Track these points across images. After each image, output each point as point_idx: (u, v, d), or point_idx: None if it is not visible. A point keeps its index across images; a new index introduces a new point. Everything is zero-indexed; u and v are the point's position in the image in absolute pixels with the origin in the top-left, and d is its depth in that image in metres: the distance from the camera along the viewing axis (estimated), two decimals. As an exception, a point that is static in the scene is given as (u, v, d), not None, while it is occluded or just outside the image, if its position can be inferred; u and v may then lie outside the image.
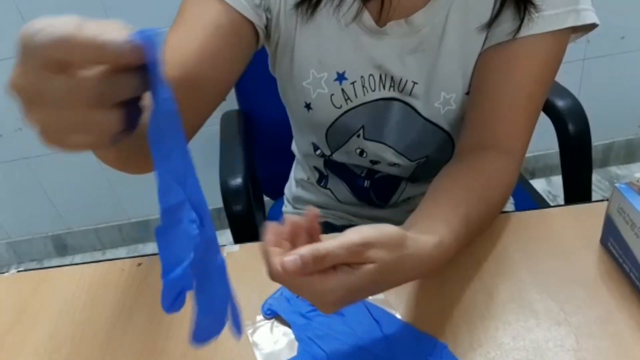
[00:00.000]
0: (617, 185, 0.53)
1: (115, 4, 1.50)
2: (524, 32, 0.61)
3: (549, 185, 1.88)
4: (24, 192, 1.87)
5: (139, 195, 1.89)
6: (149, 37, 0.30)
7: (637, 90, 1.77)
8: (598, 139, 1.87)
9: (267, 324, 0.56)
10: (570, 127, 0.88)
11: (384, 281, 0.43)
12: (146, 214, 1.96)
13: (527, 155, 2.04)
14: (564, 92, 0.92)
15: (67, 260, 2.03)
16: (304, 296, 0.42)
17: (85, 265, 0.69)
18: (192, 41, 0.59)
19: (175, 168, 0.34)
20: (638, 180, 0.52)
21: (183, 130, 0.34)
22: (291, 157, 0.92)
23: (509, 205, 0.88)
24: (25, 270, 0.71)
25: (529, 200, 1.00)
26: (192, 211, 0.36)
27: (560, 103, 0.90)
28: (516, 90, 0.62)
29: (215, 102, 0.64)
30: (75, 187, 1.87)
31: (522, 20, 0.60)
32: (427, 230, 0.48)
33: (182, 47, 0.58)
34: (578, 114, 0.89)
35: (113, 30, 0.28)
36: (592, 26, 0.63)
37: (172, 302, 0.35)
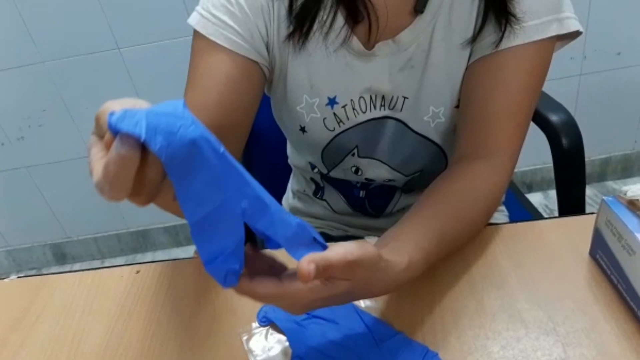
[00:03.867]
0: (604, 198, 0.55)
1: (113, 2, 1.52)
2: (508, 43, 0.62)
3: (546, 199, 1.89)
4: (25, 201, 1.89)
5: (139, 205, 1.91)
6: (114, 128, 0.34)
7: (634, 105, 1.79)
8: (595, 154, 1.88)
9: (262, 331, 0.57)
10: (564, 141, 0.89)
11: (352, 294, 0.45)
12: (145, 224, 1.97)
13: (524, 168, 2.05)
14: (557, 107, 0.93)
15: (66, 268, 2.04)
16: (276, 299, 0.43)
17: (84, 272, 0.71)
18: (211, 97, 0.65)
19: (202, 182, 0.37)
20: (625, 194, 0.54)
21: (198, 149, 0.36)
22: (289, 167, 0.94)
23: (503, 218, 0.89)
24: (25, 276, 0.72)
25: (524, 213, 1.01)
26: (236, 205, 0.39)
27: (554, 118, 0.91)
28: (503, 99, 0.63)
29: (244, 138, 0.71)
30: (76, 196, 1.88)
31: (503, 33, 0.62)
32: (398, 251, 0.50)
33: (202, 105, 0.64)
34: (571, 128, 0.90)
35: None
36: (577, 34, 0.64)
37: (224, 280, 0.41)
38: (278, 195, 1.03)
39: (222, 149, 0.37)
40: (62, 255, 2.05)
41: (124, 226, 1.98)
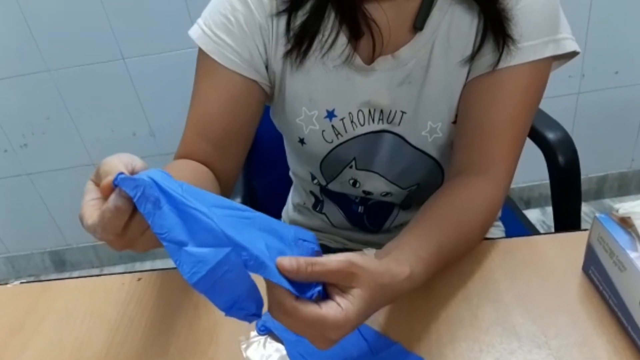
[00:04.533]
0: (597, 215, 0.56)
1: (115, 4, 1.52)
2: (505, 63, 0.63)
3: (544, 215, 1.90)
4: (26, 208, 1.89)
5: (139, 213, 1.92)
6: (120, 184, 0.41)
7: (631, 124, 1.81)
8: (592, 171, 1.90)
9: (261, 339, 0.58)
10: (560, 158, 0.91)
11: (368, 309, 0.46)
12: (145, 232, 1.98)
13: (522, 185, 2.05)
14: (554, 125, 0.94)
15: (65, 276, 2.04)
16: (309, 330, 0.44)
17: (86, 278, 0.72)
18: (213, 114, 0.68)
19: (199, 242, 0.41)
20: (617, 211, 0.55)
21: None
22: (289, 179, 0.95)
23: (499, 233, 0.91)
24: (28, 282, 0.73)
25: (521, 228, 1.02)
26: (238, 255, 0.41)
27: (550, 135, 0.92)
28: (500, 117, 0.65)
29: (245, 151, 0.74)
30: (77, 203, 1.87)
31: (500, 54, 0.63)
32: (399, 261, 0.52)
33: (205, 124, 0.68)
34: (568, 146, 0.91)
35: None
36: (574, 54, 0.66)
37: (246, 320, 0.44)
38: (278, 207, 1.04)
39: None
40: (61, 263, 2.05)
41: (124, 234, 1.99)
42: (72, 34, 1.55)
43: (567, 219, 0.94)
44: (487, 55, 0.64)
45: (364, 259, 0.46)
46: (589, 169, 1.89)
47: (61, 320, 0.65)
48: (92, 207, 0.43)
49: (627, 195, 1.95)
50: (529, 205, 1.95)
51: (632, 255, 0.51)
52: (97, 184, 0.44)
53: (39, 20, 1.53)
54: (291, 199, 0.97)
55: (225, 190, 0.73)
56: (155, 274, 0.70)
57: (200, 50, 0.68)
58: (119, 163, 0.43)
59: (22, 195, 1.86)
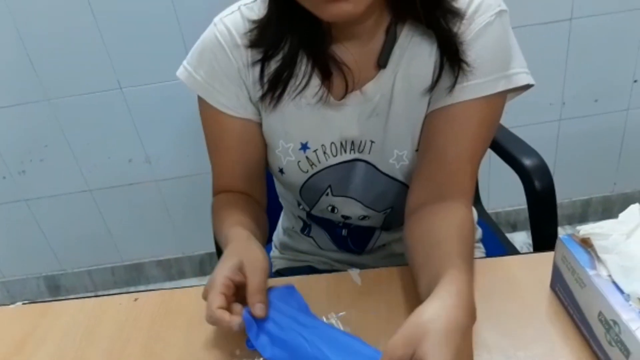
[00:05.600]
0: (560, 237, 0.61)
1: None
2: (460, 97, 0.68)
3: (529, 238, 1.94)
4: (22, 233, 1.92)
5: (134, 237, 1.95)
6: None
7: (612, 149, 1.87)
8: (576, 195, 1.95)
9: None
10: (537, 183, 0.95)
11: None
12: (139, 258, 2.01)
13: (508, 209, 2.08)
14: (530, 151, 0.99)
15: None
16: None
17: (85, 299, 0.76)
18: (232, 162, 0.79)
19: None
20: (578, 232, 0.60)
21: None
22: (279, 205, 0.99)
23: (479, 254, 0.95)
24: (29, 303, 0.77)
25: (502, 250, 1.07)
26: None
27: (527, 162, 0.97)
28: (458, 148, 0.69)
29: (264, 181, 0.85)
30: (72, 229, 1.92)
31: (456, 79, 0.67)
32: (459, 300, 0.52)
33: (228, 172, 0.81)
34: (543, 171, 0.96)
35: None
36: (528, 86, 0.70)
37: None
38: (269, 231, 1.08)
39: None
40: (55, 288, 2.07)
41: (119, 259, 2.01)
42: (71, 64, 1.60)
43: (544, 240, 0.98)
44: (445, 87, 0.68)
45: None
46: (573, 193, 1.95)
47: (61, 340, 0.69)
48: (222, 312, 0.59)
49: (611, 218, 1.99)
50: (515, 228, 2.00)
51: (591, 272, 0.55)
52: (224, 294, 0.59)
53: (39, 51, 1.58)
54: (281, 223, 1.02)
55: (263, 214, 0.83)
56: (151, 295, 0.74)
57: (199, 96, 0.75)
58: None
59: (19, 220, 1.89)
